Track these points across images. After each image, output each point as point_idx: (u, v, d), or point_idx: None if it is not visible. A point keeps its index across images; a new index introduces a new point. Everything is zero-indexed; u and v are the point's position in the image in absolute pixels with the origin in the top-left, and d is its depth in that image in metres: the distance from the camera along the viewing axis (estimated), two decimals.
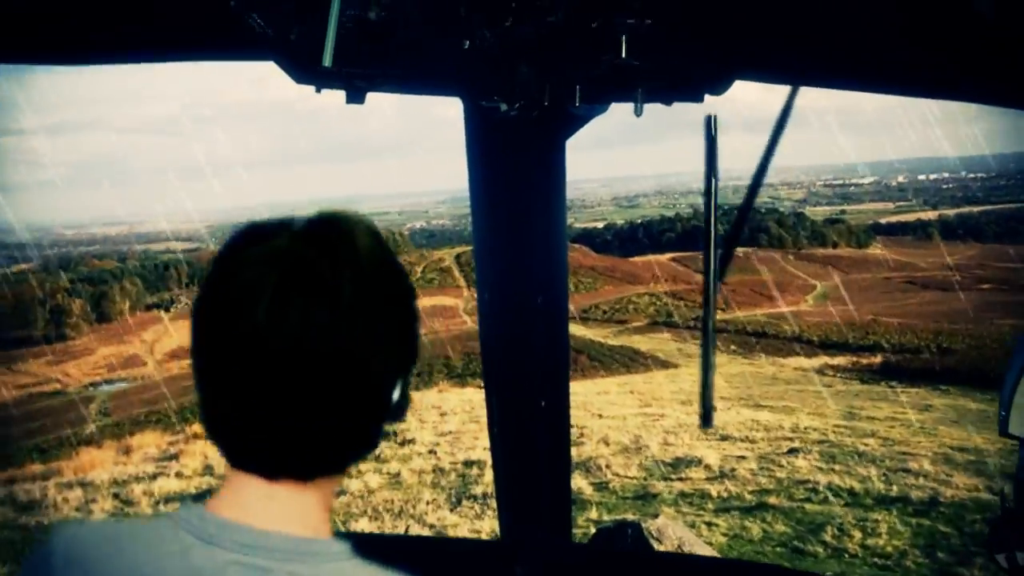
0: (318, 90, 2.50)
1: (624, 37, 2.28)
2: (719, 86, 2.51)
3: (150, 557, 1.30)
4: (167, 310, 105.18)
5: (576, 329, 71.62)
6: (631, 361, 51.54)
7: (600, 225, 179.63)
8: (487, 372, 3.40)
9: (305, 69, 2.41)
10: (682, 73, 2.44)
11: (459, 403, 26.84)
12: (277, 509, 1.32)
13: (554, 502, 3.56)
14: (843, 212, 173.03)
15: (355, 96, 2.54)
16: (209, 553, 1.29)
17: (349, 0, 2.18)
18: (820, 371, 38.02)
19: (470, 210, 3.10)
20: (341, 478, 1.41)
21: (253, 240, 1.31)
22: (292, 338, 1.24)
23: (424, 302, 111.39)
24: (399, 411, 1.37)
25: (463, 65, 2.43)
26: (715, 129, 2.30)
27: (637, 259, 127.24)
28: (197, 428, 30.52)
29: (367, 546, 1.43)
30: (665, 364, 48.54)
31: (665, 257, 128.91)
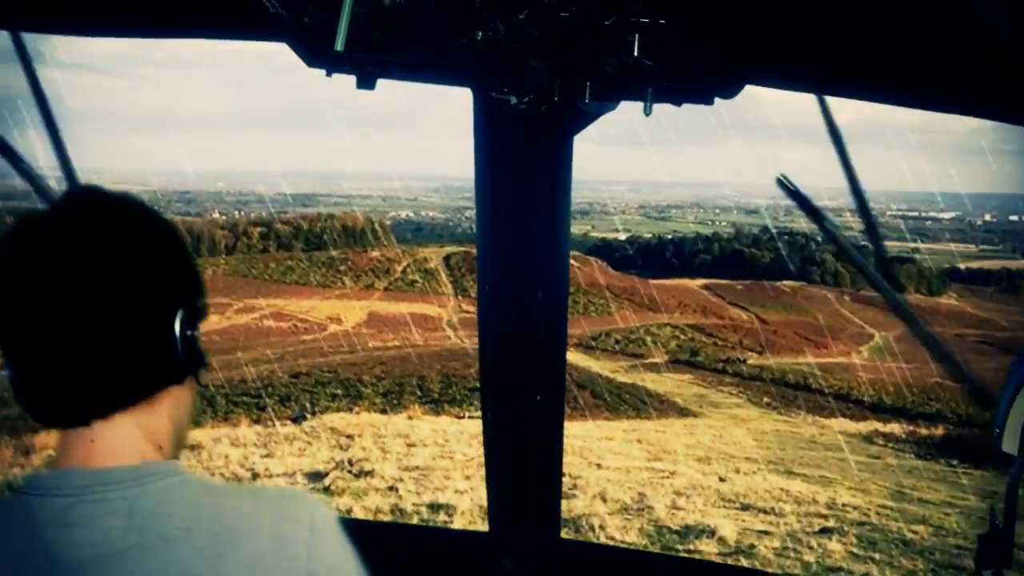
0: (329, 74, 2.91)
1: (637, 36, 2.64)
2: (730, 90, 2.89)
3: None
4: None
5: (580, 359, 71.63)
6: (642, 404, 51.54)
7: (622, 237, 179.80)
8: (484, 364, 3.96)
9: (317, 53, 2.85)
10: (693, 75, 2.78)
11: (431, 434, 26.83)
12: (99, 448, 1.80)
13: (544, 496, 4.14)
14: (915, 250, 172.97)
15: (365, 82, 2.97)
16: (48, 504, 1.74)
17: None
18: (869, 438, 38.01)
19: (474, 200, 3.59)
20: (158, 409, 1.87)
21: (14, 226, 1.79)
22: (47, 302, 1.71)
23: (400, 308, 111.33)
24: (188, 344, 1.84)
25: (475, 56, 2.82)
26: (791, 184, 2.82)
27: (662, 282, 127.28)
28: None
29: (355, 532, 1.85)
30: (683, 412, 48.56)
31: (696, 283, 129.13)
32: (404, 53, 2.82)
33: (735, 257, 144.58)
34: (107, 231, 1.77)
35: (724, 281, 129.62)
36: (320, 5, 2.66)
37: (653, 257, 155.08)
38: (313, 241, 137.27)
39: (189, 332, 1.84)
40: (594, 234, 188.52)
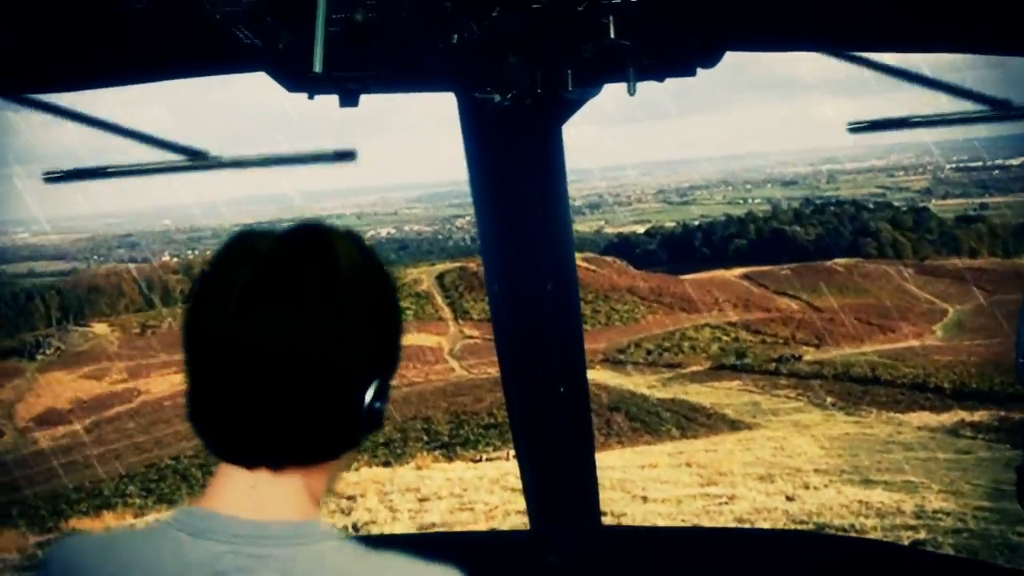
0: (311, 97, 3.38)
1: (611, 18, 3.02)
2: (710, 59, 3.36)
3: (144, 558, 1.97)
4: (31, 357, 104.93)
5: (609, 376, 71.52)
6: (688, 421, 51.51)
7: (641, 230, 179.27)
8: (503, 365, 4.62)
9: (296, 77, 3.31)
10: (672, 49, 3.22)
11: (445, 484, 26.83)
12: (261, 498, 2.00)
13: (581, 487, 4.82)
14: (983, 207, 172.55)
15: (348, 100, 3.39)
16: (201, 546, 1.95)
17: (335, 4, 2.87)
18: (955, 431, 37.98)
19: (472, 203, 4.16)
20: (325, 469, 2.06)
21: (235, 244, 2.01)
22: (257, 334, 1.92)
23: None
24: (374, 414, 2.03)
25: (453, 59, 3.25)
26: (865, 124, 3.37)
27: (694, 277, 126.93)
28: (75, 522, 30.39)
29: (400, 546, 2.08)
30: (735, 425, 48.52)
31: (733, 273, 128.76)
32: (382, 65, 3.21)
33: (775, 238, 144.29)
34: (328, 277, 1.98)
35: (765, 267, 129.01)
36: (294, 29, 3.04)
37: (680, 249, 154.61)
38: None
39: (378, 404, 2.04)
40: (608, 230, 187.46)
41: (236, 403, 1.95)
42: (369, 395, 2.01)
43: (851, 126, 3.37)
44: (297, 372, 1.93)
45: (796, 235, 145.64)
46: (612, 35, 3.05)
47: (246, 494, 2.00)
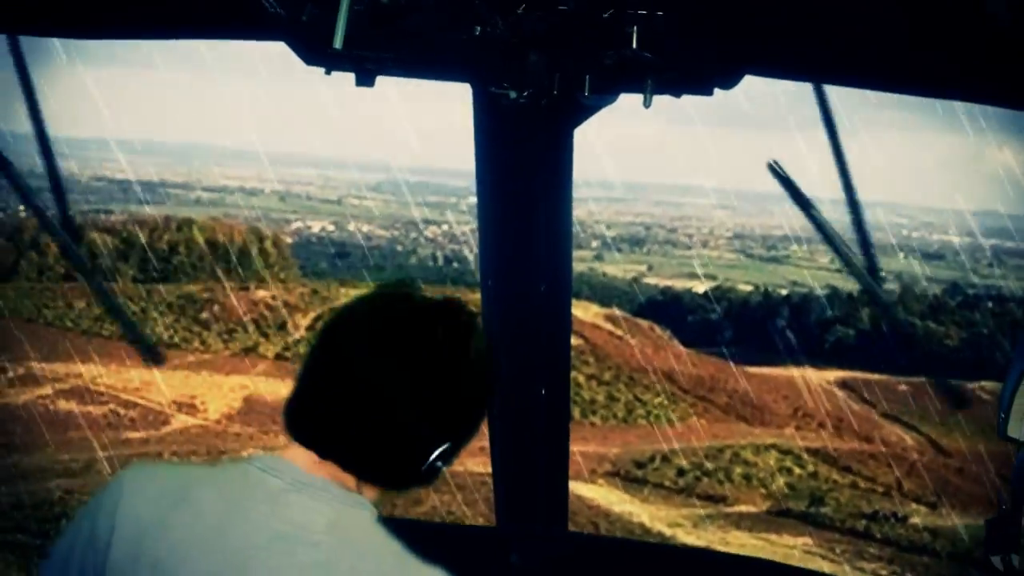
0: (328, 72, 4.57)
1: (635, 29, 3.99)
2: (729, 80, 4.54)
3: (216, 481, 3.61)
4: None
5: (616, 499, 71.65)
6: None
7: (700, 288, 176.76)
8: None
9: (316, 51, 4.48)
10: (692, 66, 4.32)
11: None
12: (324, 467, 3.58)
13: (551, 491, 6.57)
14: None
15: (364, 79, 4.62)
16: (266, 479, 3.55)
17: None
18: None
19: (476, 196, 5.70)
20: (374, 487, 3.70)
21: (379, 295, 3.90)
22: (370, 373, 3.54)
23: None
24: (433, 469, 3.62)
25: (473, 51, 4.35)
26: (783, 171, 4.79)
27: (767, 371, 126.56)
28: None
29: None
30: None
31: (826, 376, 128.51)
32: (403, 49, 4.29)
33: (897, 334, 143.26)
34: (458, 351, 3.63)
35: (875, 376, 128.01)
36: (318, 3, 4.04)
37: (754, 327, 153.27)
38: (154, 265, 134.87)
39: (440, 463, 3.59)
40: (651, 280, 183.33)
41: (335, 414, 3.53)
42: (436, 452, 3.51)
43: (771, 165, 4.96)
44: (391, 412, 3.49)
45: (931, 335, 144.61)
46: (634, 45, 4.03)
47: (311, 463, 3.55)
